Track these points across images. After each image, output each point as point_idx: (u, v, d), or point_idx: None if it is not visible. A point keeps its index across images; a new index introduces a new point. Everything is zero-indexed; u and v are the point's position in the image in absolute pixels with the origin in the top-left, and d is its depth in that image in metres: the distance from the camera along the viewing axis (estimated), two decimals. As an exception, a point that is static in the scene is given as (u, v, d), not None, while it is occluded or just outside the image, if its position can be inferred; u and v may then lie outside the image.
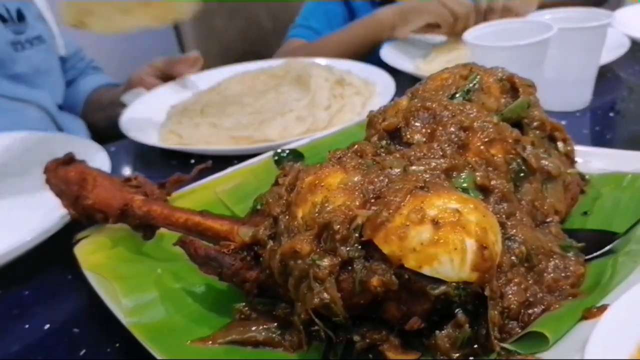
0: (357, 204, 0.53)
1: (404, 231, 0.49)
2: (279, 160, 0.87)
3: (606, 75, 1.16)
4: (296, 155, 0.88)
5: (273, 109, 1.14)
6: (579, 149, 0.74)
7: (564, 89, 1.04)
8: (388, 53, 1.40)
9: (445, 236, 0.48)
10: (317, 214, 0.54)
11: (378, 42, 1.47)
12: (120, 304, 0.60)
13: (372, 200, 0.53)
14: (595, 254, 0.60)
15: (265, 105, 1.17)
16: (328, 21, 1.66)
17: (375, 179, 0.54)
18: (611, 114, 1.06)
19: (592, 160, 0.75)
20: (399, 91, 1.13)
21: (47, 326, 0.67)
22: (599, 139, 0.97)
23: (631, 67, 1.19)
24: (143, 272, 0.66)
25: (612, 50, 1.16)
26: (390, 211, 0.50)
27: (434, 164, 0.57)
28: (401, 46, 1.44)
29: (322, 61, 1.35)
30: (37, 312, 0.70)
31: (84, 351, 0.62)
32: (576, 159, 0.73)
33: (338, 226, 0.51)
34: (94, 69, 1.69)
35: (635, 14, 1.37)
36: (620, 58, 1.16)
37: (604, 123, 1.03)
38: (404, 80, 1.19)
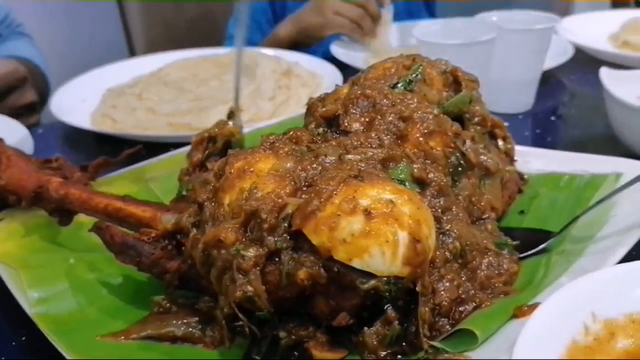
0: (288, 191, 0.50)
1: (335, 221, 0.46)
2: (216, 149, 0.83)
3: (549, 81, 1.17)
4: (234, 144, 0.84)
5: (215, 96, 1.09)
6: (519, 148, 0.73)
7: (508, 90, 1.04)
8: (337, 47, 1.38)
9: (377, 227, 0.46)
10: (244, 201, 0.51)
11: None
12: (26, 294, 0.55)
13: (304, 189, 0.51)
14: (529, 252, 0.59)
15: (207, 92, 1.12)
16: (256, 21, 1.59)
17: (309, 166, 0.52)
18: (552, 118, 1.07)
19: (531, 160, 0.75)
20: (346, 85, 1.10)
21: (-53, 317, 0.61)
22: (540, 142, 0.98)
23: (574, 74, 1.21)
24: (54, 261, 0.61)
25: (557, 56, 1.17)
26: (322, 200, 0.48)
27: (370, 153, 0.55)
28: (351, 40, 1.41)
29: (269, 51, 1.32)
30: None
31: (-15, 345, 0.57)
32: (516, 158, 0.72)
33: (266, 215, 0.49)
34: (19, 34, 1.44)
35: (580, 22, 1.40)
36: (564, 64, 1.17)
37: (545, 126, 1.04)
38: (352, 74, 1.17)
